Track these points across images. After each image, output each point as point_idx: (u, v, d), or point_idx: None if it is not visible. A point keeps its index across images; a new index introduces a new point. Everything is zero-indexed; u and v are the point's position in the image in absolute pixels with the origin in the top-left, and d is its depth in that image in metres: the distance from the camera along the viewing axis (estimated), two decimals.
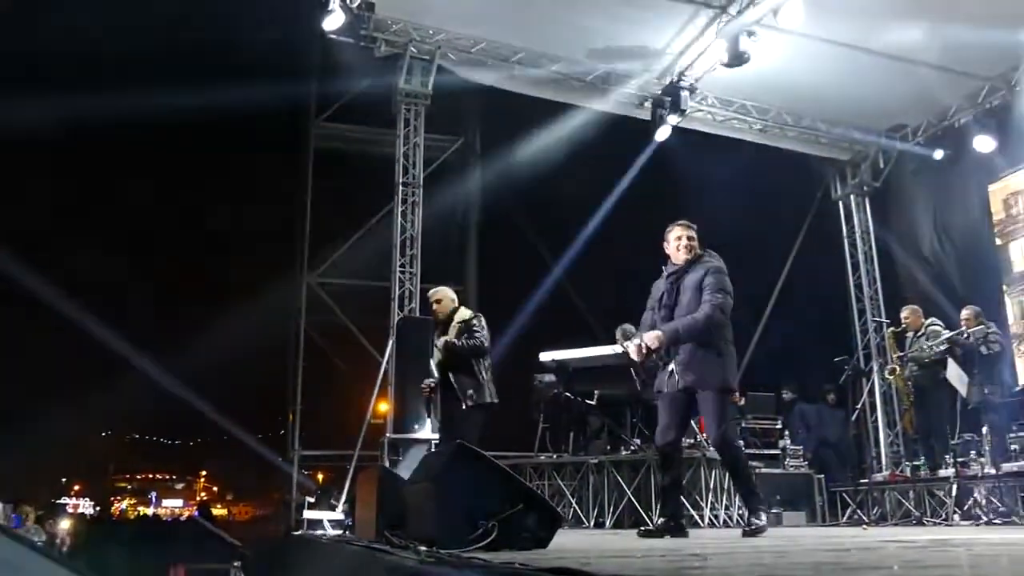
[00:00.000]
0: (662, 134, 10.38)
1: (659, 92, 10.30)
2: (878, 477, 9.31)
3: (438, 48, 9.70)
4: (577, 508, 7.46)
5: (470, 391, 6.07)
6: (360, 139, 13.61)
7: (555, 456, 7.93)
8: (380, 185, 10.84)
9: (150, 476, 58.09)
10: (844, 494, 8.87)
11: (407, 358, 8.19)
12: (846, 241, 12.48)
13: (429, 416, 6.29)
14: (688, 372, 4.74)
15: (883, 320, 11.64)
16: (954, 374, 7.80)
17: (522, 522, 3.17)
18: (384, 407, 9.84)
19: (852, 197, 12.51)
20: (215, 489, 54.93)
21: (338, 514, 8.73)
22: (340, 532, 6.63)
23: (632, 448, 7.66)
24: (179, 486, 57.75)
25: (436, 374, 6.26)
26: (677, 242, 5.00)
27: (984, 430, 7.60)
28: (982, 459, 7.49)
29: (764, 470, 8.46)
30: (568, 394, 7.81)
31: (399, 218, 9.78)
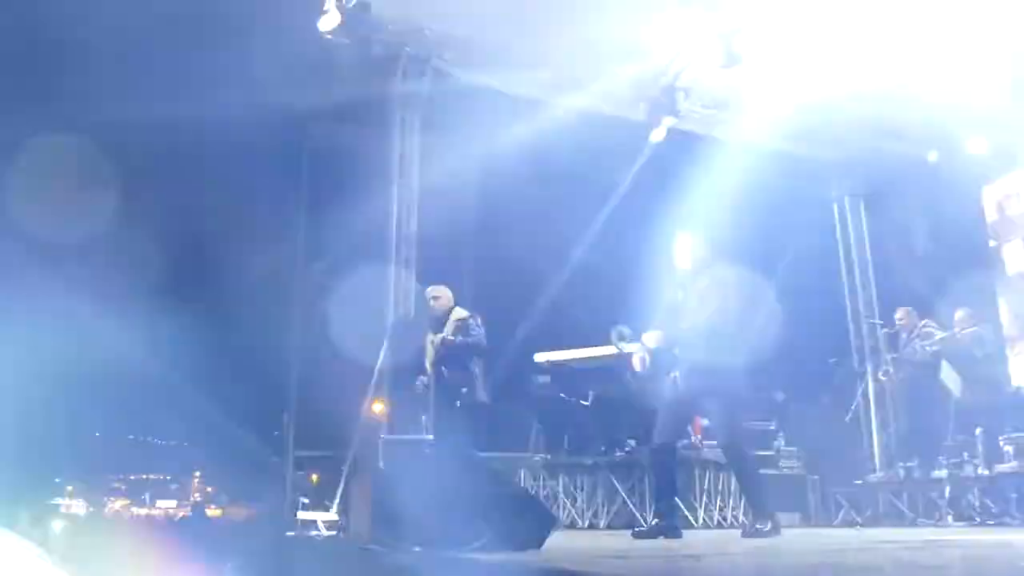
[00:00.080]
0: (657, 135, 10.39)
1: (654, 93, 10.30)
2: (872, 478, 9.33)
3: (434, 49, 9.69)
4: (572, 509, 7.47)
5: (464, 389, 6.08)
6: (355, 140, 13.57)
7: (550, 457, 7.94)
8: (376, 186, 10.82)
9: (144, 476, 57.87)
10: (838, 495, 8.89)
11: (402, 358, 8.18)
12: (840, 242, 12.50)
13: (424, 415, 6.26)
14: (696, 379, 4.74)
15: (877, 321, 11.66)
16: (948, 375, 7.82)
17: (516, 523, 3.17)
18: (379, 407, 9.83)
19: (847, 198, 12.53)
20: (209, 490, 54.75)
21: (332, 515, 8.73)
22: (334, 533, 6.62)
23: (626, 449, 7.68)
24: (173, 487, 57.52)
25: (430, 371, 6.26)
26: (681, 249, 5.00)
27: (977, 431, 7.62)
28: (975, 460, 7.52)
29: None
30: (563, 395, 7.82)
31: (395, 219, 9.76)
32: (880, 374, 9.72)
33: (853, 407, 11.39)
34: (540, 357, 8.06)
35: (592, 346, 8.19)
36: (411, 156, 9.99)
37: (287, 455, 13.31)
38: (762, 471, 8.60)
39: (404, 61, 9.69)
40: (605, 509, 7.28)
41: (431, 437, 7.13)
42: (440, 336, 6.14)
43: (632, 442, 7.77)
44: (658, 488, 5.06)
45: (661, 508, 5.00)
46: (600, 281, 12.73)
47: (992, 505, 7.07)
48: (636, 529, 5.22)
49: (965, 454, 7.69)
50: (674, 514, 5.05)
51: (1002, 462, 7.37)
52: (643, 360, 4.87)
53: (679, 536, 4.74)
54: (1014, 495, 7.02)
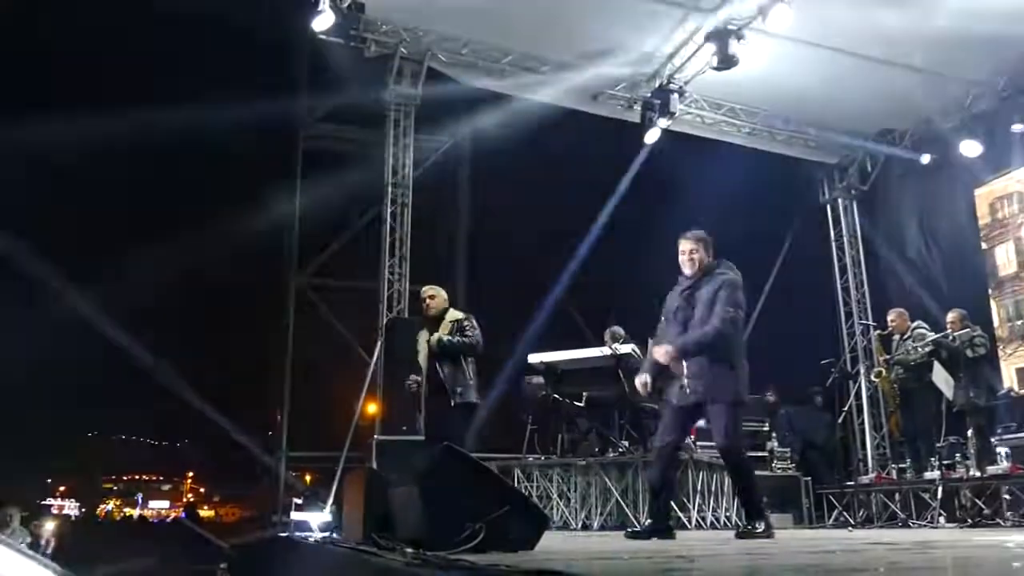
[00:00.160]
0: (651, 137, 10.41)
1: (649, 95, 10.32)
2: (864, 479, 9.35)
3: (428, 49, 9.70)
4: (565, 510, 7.47)
5: (459, 388, 6.07)
6: (349, 140, 13.56)
7: (543, 458, 7.94)
8: (369, 186, 10.82)
9: (136, 477, 57.71)
10: (830, 496, 8.91)
11: (395, 359, 8.17)
12: (834, 244, 12.55)
13: (419, 413, 6.24)
14: (699, 385, 4.74)
15: (870, 323, 11.70)
16: (940, 377, 7.84)
17: (509, 524, 3.17)
18: (372, 408, 9.83)
19: (840, 200, 12.59)
20: (202, 491, 54.60)
21: (325, 515, 8.71)
22: (327, 534, 6.60)
23: (620, 450, 7.68)
24: (165, 487, 57.37)
25: (423, 370, 6.22)
26: (683, 256, 4.98)
27: (969, 433, 7.65)
28: (967, 462, 7.55)
29: None
30: (556, 396, 7.82)
31: (388, 219, 9.77)
32: (872, 375, 9.73)
33: (846, 408, 11.44)
34: (534, 358, 8.05)
35: (586, 347, 8.21)
36: (404, 156, 9.99)
37: (281, 455, 13.28)
38: (755, 472, 8.66)
39: (398, 61, 9.69)
40: (598, 510, 7.28)
41: (422, 437, 7.13)
42: (437, 336, 6.12)
43: (625, 443, 7.78)
44: (654, 489, 5.06)
45: (655, 509, 5.00)
46: (595, 282, 12.75)
47: (984, 506, 7.10)
48: (629, 530, 5.22)
49: (957, 455, 7.72)
50: (668, 516, 5.06)
51: (994, 463, 7.41)
52: (646, 385, 4.90)
53: (672, 537, 4.74)
54: (1006, 496, 7.05)
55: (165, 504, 51.45)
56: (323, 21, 8.69)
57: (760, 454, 9.22)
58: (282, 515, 11.81)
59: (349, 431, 9.36)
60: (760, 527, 4.65)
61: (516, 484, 7.26)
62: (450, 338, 6.10)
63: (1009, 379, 9.92)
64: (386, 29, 9.50)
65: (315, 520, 8.85)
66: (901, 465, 8.65)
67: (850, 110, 11.00)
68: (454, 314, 6.32)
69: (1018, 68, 9.73)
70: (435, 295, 6.33)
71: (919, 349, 8.17)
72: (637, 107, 10.53)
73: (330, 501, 8.87)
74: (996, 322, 10.47)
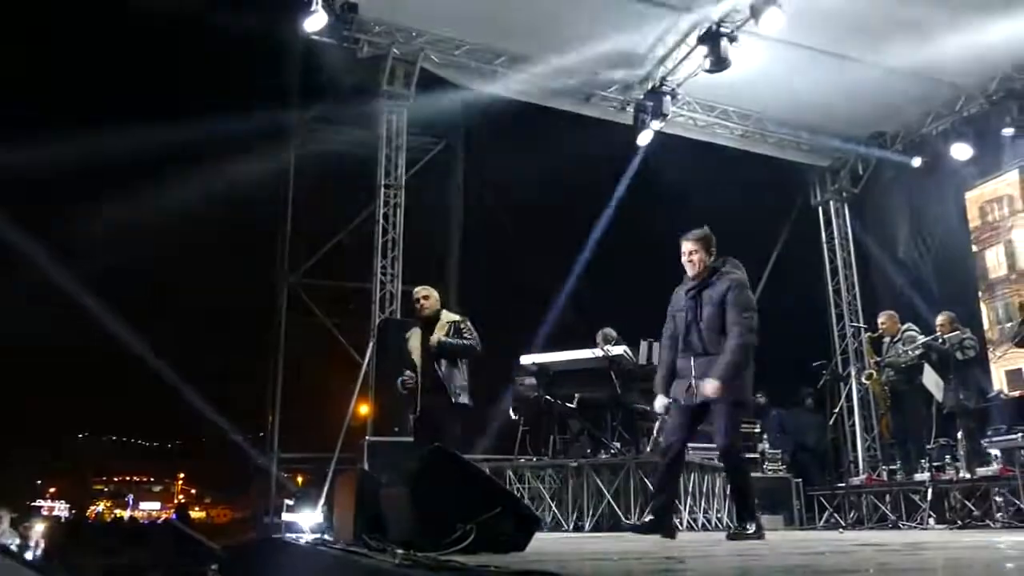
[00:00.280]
0: (644, 138, 10.43)
1: (641, 97, 10.34)
2: (855, 481, 9.37)
3: (421, 50, 9.69)
4: (557, 511, 7.46)
5: (457, 390, 6.06)
6: (342, 140, 13.55)
7: (535, 459, 7.93)
8: (362, 187, 10.81)
9: (127, 478, 57.49)
10: (821, 498, 8.93)
11: (388, 360, 8.16)
12: (825, 246, 12.59)
13: (412, 413, 6.18)
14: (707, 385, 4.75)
15: (860, 325, 11.73)
16: (930, 379, 7.87)
17: (500, 525, 3.17)
18: (364, 409, 9.81)
19: (831, 203, 12.63)
20: (193, 492, 54.42)
21: (317, 516, 8.70)
22: (318, 535, 6.59)
23: (612, 451, 7.69)
24: (156, 489, 57.16)
25: (418, 371, 6.16)
26: (683, 257, 4.97)
27: (959, 435, 7.68)
28: (957, 463, 7.58)
29: None
30: (548, 397, 7.82)
31: (381, 220, 9.76)
32: (863, 378, 9.77)
33: (836, 410, 11.48)
34: (526, 359, 8.05)
35: (578, 348, 8.22)
36: (397, 157, 9.98)
37: (272, 457, 13.26)
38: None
39: (390, 62, 9.68)
40: (590, 511, 7.28)
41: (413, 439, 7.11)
42: (438, 337, 6.08)
43: (617, 444, 7.78)
44: (660, 487, 5.07)
45: (658, 506, 5.01)
46: (588, 283, 12.76)
47: (974, 508, 7.13)
48: (630, 522, 5.21)
49: (947, 457, 7.75)
50: (671, 514, 5.04)
51: (983, 465, 7.44)
52: (667, 408, 4.92)
53: (673, 536, 4.74)
54: (996, 498, 7.09)
55: (156, 505, 51.25)
56: (316, 22, 8.68)
57: (751, 456, 9.24)
58: (273, 516, 11.79)
59: (341, 432, 9.35)
60: (751, 528, 4.66)
61: (508, 485, 7.26)
62: (451, 340, 6.09)
63: (999, 381, 9.97)
64: (379, 30, 9.49)
65: (306, 521, 8.85)
66: (891, 467, 8.68)
67: (842, 113, 11.04)
68: (450, 316, 6.30)
69: (1008, 72, 9.78)
70: (428, 296, 6.31)
71: (909, 352, 8.20)
72: (630, 109, 10.56)
73: (321, 502, 8.86)
74: (986, 324, 10.53)
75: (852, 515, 8.45)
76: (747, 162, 11.61)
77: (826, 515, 8.69)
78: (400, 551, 2.97)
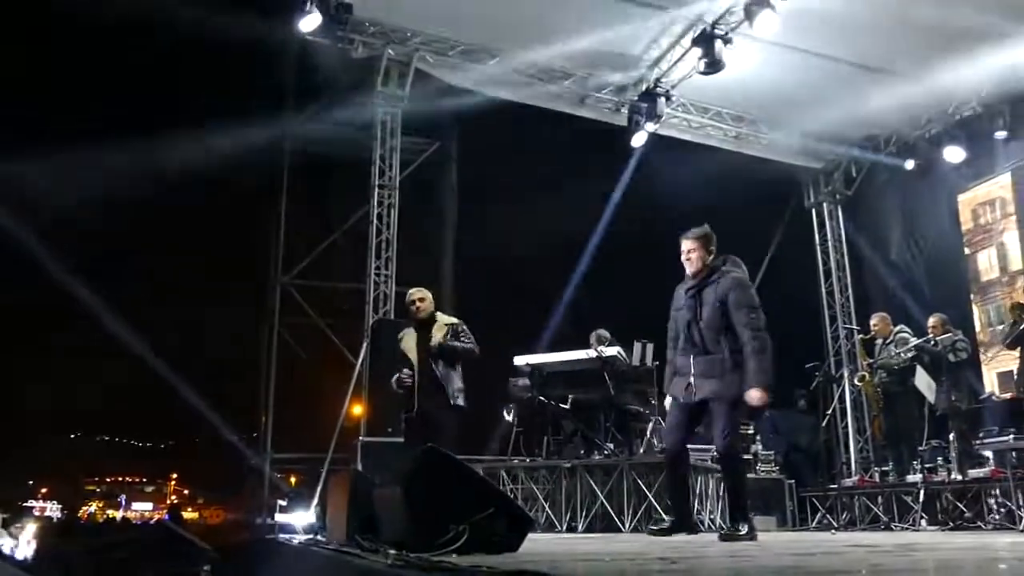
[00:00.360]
0: (638, 140, 10.44)
1: (636, 98, 10.36)
2: (847, 482, 9.41)
3: (415, 51, 9.68)
4: (550, 512, 7.46)
5: (455, 392, 6.06)
6: (336, 141, 13.54)
7: (528, 460, 7.93)
8: (356, 187, 10.80)
9: (119, 479, 57.29)
10: (814, 499, 8.95)
11: (381, 361, 8.15)
12: (818, 248, 12.62)
13: (407, 412, 6.15)
14: (705, 384, 4.75)
15: (853, 327, 11.77)
16: (922, 381, 7.90)
17: (493, 525, 3.17)
18: (358, 410, 9.80)
19: (825, 205, 12.66)
20: (186, 492, 54.27)
21: (310, 517, 8.68)
22: (311, 535, 6.58)
23: (605, 452, 7.69)
24: (149, 489, 56.96)
25: (415, 371, 6.14)
26: (683, 256, 4.98)
27: (951, 436, 7.70)
28: (949, 465, 7.60)
29: None
30: (542, 398, 7.82)
31: (375, 220, 9.75)
32: (856, 379, 9.79)
33: (829, 412, 11.50)
34: (520, 360, 8.06)
35: (572, 349, 8.22)
36: (391, 158, 9.97)
37: (265, 457, 13.24)
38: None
39: (385, 63, 9.67)
40: (583, 512, 7.29)
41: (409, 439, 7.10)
42: (440, 340, 6.06)
43: (610, 445, 7.79)
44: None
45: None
46: (582, 284, 12.78)
47: (965, 509, 7.16)
48: (652, 527, 5.22)
49: (939, 459, 7.77)
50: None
51: (975, 467, 7.47)
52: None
53: (695, 532, 4.75)
54: (989, 500, 7.11)
55: (148, 506, 51.08)
56: (310, 22, 8.66)
57: (745, 457, 9.25)
58: (266, 517, 11.76)
59: (334, 433, 9.33)
60: (743, 529, 4.67)
61: (502, 486, 7.26)
62: (453, 343, 6.09)
63: (991, 383, 10.02)
64: (373, 30, 9.48)
65: (299, 522, 8.83)
66: (884, 468, 8.70)
67: (835, 115, 11.06)
68: (447, 318, 6.30)
69: (1001, 75, 9.81)
70: (424, 298, 6.31)
71: (902, 353, 8.23)
72: (624, 110, 10.57)
73: (314, 503, 8.84)
74: (978, 327, 10.57)
75: (844, 516, 8.48)
76: (741, 164, 11.63)
77: (819, 516, 8.71)
78: (393, 551, 2.97)
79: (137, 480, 57.92)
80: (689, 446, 7.33)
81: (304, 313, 13.65)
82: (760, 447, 9.45)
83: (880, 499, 8.17)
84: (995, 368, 10.12)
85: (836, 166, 12.40)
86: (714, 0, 8.84)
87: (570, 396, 7.85)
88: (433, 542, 3.00)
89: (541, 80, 10.18)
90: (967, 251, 11.00)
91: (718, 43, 8.85)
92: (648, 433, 7.86)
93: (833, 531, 7.66)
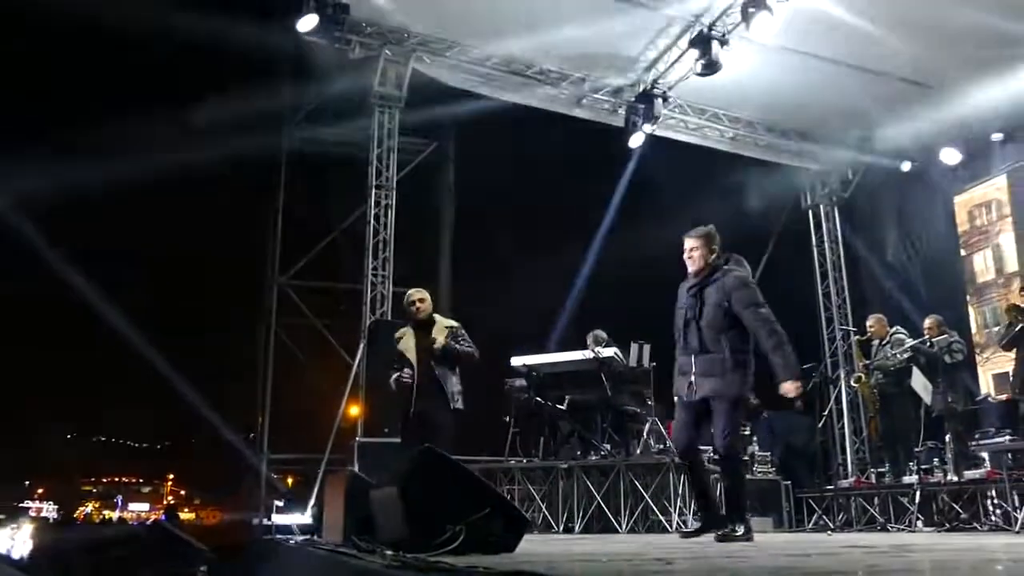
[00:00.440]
0: (635, 141, 10.45)
1: (633, 99, 10.37)
2: (844, 484, 9.41)
3: (413, 51, 9.68)
4: (547, 513, 7.47)
5: (455, 394, 6.06)
6: (333, 141, 13.54)
7: (525, 461, 7.94)
8: (353, 188, 10.80)
9: (116, 479, 57.20)
10: (810, 500, 8.96)
11: (378, 361, 8.15)
12: (815, 250, 12.63)
13: (406, 412, 6.13)
14: (706, 382, 4.76)
15: (850, 328, 11.79)
16: (918, 382, 7.91)
17: (489, 526, 3.17)
18: (354, 410, 9.80)
19: (821, 206, 12.66)
20: (182, 493, 54.19)
21: (306, 518, 8.68)
22: (308, 536, 6.57)
23: (602, 453, 7.70)
24: (145, 490, 56.88)
25: (415, 371, 6.11)
26: (685, 255, 4.99)
27: (947, 438, 7.72)
28: (945, 466, 7.61)
29: None
30: (539, 399, 7.83)
31: (372, 221, 9.75)
32: (852, 380, 9.81)
33: (826, 413, 11.51)
34: (516, 361, 8.06)
35: (569, 350, 8.23)
36: (388, 158, 9.97)
37: (262, 457, 13.22)
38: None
39: (382, 63, 9.67)
40: (580, 513, 7.29)
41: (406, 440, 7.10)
42: (444, 342, 6.05)
43: (607, 446, 7.79)
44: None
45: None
46: (578, 285, 12.79)
47: (961, 511, 7.16)
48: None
49: (935, 460, 7.78)
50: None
51: (971, 468, 7.48)
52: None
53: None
54: (985, 501, 7.12)
55: (145, 507, 50.99)
56: (308, 22, 8.67)
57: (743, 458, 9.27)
58: (263, 517, 11.74)
59: (331, 433, 9.33)
60: (740, 530, 4.68)
61: (498, 487, 7.26)
62: (455, 346, 6.08)
63: (986, 385, 10.04)
64: (371, 31, 9.48)
65: (296, 522, 8.82)
66: (880, 469, 8.71)
67: (832, 117, 11.09)
68: (446, 321, 6.29)
69: (1000, 75, 9.82)
70: (424, 298, 6.29)
71: (898, 355, 8.24)
72: (621, 111, 10.58)
73: (311, 503, 8.84)
74: (974, 328, 10.60)
75: (841, 517, 8.48)
76: (737, 165, 11.65)
77: (815, 517, 8.72)
78: (389, 552, 2.97)
79: (134, 480, 57.83)
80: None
81: (301, 313, 13.64)
82: (757, 448, 9.45)
83: (876, 500, 8.18)
84: (991, 370, 10.14)
85: (833, 167, 12.41)
86: (711, 1, 8.85)
87: (567, 397, 7.87)
88: (430, 543, 3.01)
89: (538, 81, 10.19)
90: (963, 253, 11.03)
91: (715, 45, 8.86)
92: (645, 434, 7.87)
93: (829, 532, 7.66)
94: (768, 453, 9.59)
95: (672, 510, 7.10)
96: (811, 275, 12.53)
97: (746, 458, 9.28)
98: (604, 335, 8.07)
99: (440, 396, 6.02)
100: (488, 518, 3.17)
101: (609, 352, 7.77)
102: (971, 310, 10.73)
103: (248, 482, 14.00)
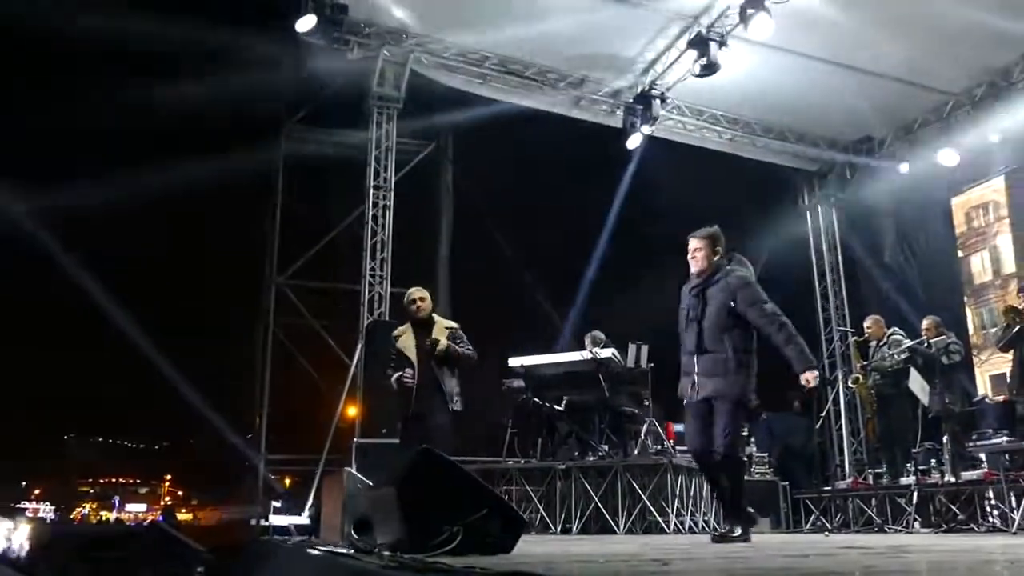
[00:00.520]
0: (633, 142, 10.46)
1: (631, 100, 10.37)
2: (841, 485, 9.42)
3: (411, 52, 9.68)
4: (544, 514, 7.47)
5: (454, 395, 6.05)
6: (332, 142, 13.52)
7: (523, 461, 7.94)
8: (351, 188, 10.79)
9: (113, 480, 57.15)
10: (808, 501, 8.97)
11: (377, 362, 8.14)
12: (812, 251, 12.64)
13: (406, 413, 6.11)
14: (709, 382, 4.77)
15: (847, 329, 11.80)
16: (916, 383, 7.91)
17: (486, 527, 3.17)
18: (352, 411, 9.79)
19: (819, 207, 12.68)
20: (180, 493, 54.14)
21: (304, 518, 8.67)
22: (306, 537, 6.58)
23: (600, 454, 7.70)
24: (143, 490, 56.84)
25: (416, 371, 6.09)
26: (689, 255, 5.01)
27: (944, 439, 7.72)
28: (942, 467, 7.62)
29: None
30: (536, 400, 7.82)
31: (370, 221, 9.75)
32: (850, 381, 9.82)
33: (823, 414, 11.53)
34: (514, 362, 8.05)
35: (567, 351, 8.22)
36: (387, 158, 9.97)
37: (260, 458, 13.20)
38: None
39: (380, 64, 9.67)
40: (578, 514, 7.29)
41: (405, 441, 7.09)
42: (447, 343, 6.03)
43: (605, 447, 7.79)
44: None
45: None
46: (576, 285, 12.78)
47: (958, 512, 7.17)
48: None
49: (932, 461, 7.79)
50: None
51: (968, 469, 7.49)
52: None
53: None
54: (982, 502, 7.13)
55: (142, 507, 50.95)
56: (306, 22, 8.67)
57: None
58: (261, 518, 11.73)
59: (329, 434, 9.32)
60: (737, 531, 4.68)
61: (496, 488, 7.26)
62: (457, 348, 6.07)
63: (984, 386, 10.05)
64: (369, 31, 9.48)
65: (294, 523, 8.82)
66: (877, 470, 8.72)
67: (830, 118, 11.11)
68: (446, 321, 6.28)
69: (995, 78, 9.85)
70: (424, 297, 6.27)
71: (895, 356, 8.25)
72: (620, 112, 10.58)
73: (309, 504, 8.84)
74: (971, 329, 10.61)
75: (838, 518, 8.49)
76: (735, 166, 11.65)
77: (812, 518, 8.72)
78: (387, 552, 2.97)
79: (131, 481, 57.78)
80: (681, 448, 7.37)
81: (299, 314, 13.61)
82: (754, 449, 9.47)
83: (874, 501, 8.18)
84: (988, 371, 10.16)
85: (830, 168, 12.41)
86: (709, 2, 8.86)
87: (565, 398, 7.86)
88: (427, 543, 3.01)
89: (536, 82, 10.19)
90: (960, 254, 11.04)
91: (713, 46, 8.86)
92: (642, 435, 7.87)
93: (827, 533, 7.67)
94: (766, 454, 9.61)
95: (670, 511, 7.10)
96: (808, 276, 12.53)
97: (744, 459, 9.30)
98: (602, 336, 8.07)
99: (438, 397, 6.01)
100: (486, 519, 3.17)
101: (607, 353, 7.77)
102: (968, 311, 10.74)
103: (246, 483, 13.98)
